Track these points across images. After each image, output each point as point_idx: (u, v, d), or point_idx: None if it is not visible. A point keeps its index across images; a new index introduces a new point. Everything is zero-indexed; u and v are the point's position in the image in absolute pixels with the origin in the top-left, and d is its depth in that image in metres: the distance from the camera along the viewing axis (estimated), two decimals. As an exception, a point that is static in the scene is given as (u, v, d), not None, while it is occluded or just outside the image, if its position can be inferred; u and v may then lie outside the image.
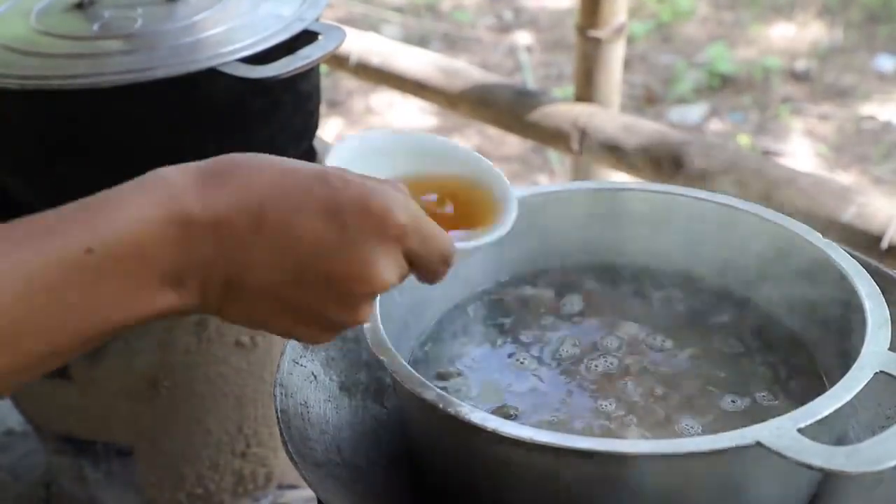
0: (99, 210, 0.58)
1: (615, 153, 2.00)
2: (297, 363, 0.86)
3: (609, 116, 2.05)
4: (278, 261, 0.60)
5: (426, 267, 0.66)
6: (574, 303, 0.95)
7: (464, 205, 0.77)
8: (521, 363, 0.88)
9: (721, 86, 3.25)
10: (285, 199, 0.60)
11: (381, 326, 0.78)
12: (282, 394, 0.82)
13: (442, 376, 0.87)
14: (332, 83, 3.34)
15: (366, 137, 0.79)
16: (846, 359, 0.74)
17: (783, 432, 0.65)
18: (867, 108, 3.09)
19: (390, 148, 0.80)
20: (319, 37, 1.27)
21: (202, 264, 0.59)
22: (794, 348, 0.89)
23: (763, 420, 0.68)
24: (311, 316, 0.63)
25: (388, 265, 0.62)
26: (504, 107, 2.13)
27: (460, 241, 0.71)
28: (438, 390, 0.72)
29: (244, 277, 0.60)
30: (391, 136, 0.81)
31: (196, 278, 0.60)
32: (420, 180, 0.77)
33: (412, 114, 3.23)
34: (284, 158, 0.63)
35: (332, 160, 0.73)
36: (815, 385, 0.84)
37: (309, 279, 0.61)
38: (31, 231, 0.56)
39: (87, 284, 0.56)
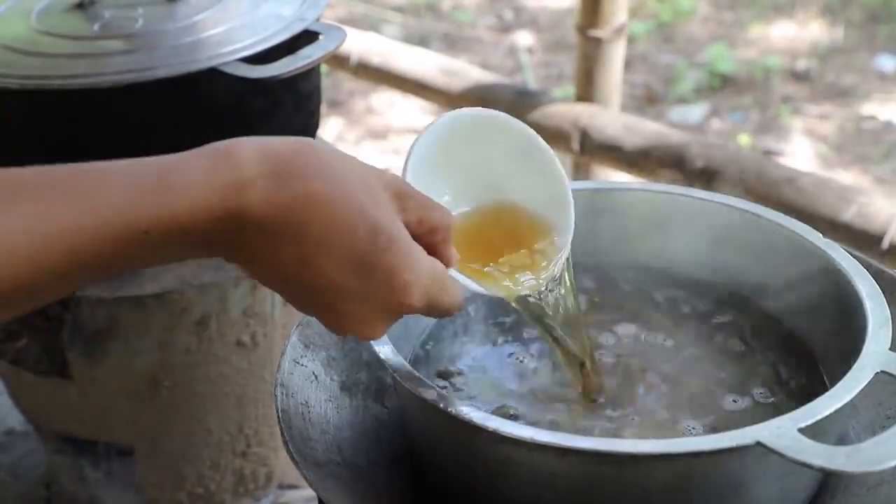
0: (164, 191, 0.60)
1: (615, 153, 2.00)
2: (298, 363, 0.86)
3: (609, 116, 2.05)
4: (298, 275, 0.64)
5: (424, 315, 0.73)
6: (575, 302, 0.95)
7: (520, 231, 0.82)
8: (522, 362, 0.88)
9: (722, 85, 3.25)
10: (332, 231, 0.63)
11: (381, 326, 0.78)
12: (283, 393, 0.82)
13: (442, 375, 0.87)
14: (332, 83, 3.34)
15: (478, 115, 0.80)
16: (847, 358, 0.74)
17: (784, 432, 0.65)
18: (868, 108, 3.09)
19: (489, 129, 0.80)
20: (320, 37, 1.27)
21: (238, 245, 0.63)
22: (794, 348, 0.88)
23: (764, 420, 0.68)
24: (309, 311, 0.69)
25: (380, 327, 0.68)
26: (504, 107, 2.13)
27: (476, 286, 0.75)
28: (439, 390, 0.72)
29: (265, 268, 0.65)
30: (498, 119, 0.81)
31: (228, 251, 0.64)
32: (488, 208, 0.81)
33: (413, 113, 3.23)
34: (358, 173, 0.65)
35: (431, 134, 0.76)
36: (816, 385, 0.84)
37: (315, 300, 0.66)
38: (93, 198, 0.59)
39: (134, 255, 0.60)
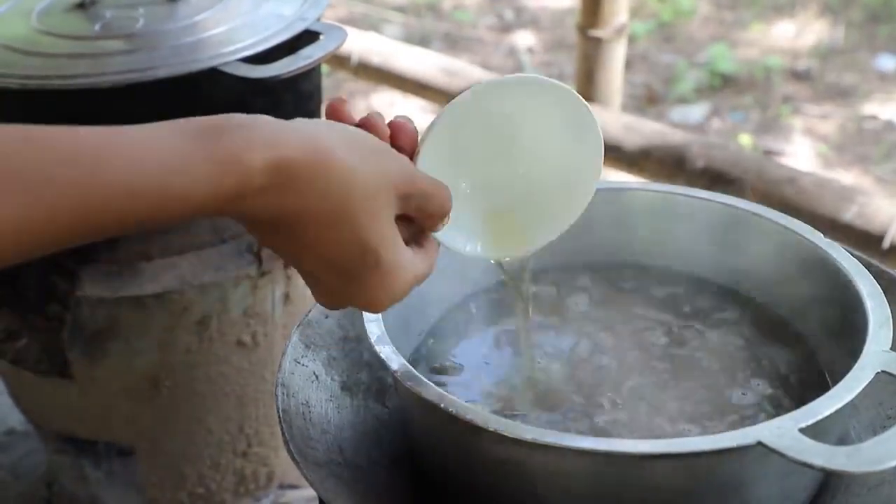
0: (163, 196, 0.59)
1: (616, 153, 2.00)
2: (299, 363, 0.86)
3: (610, 116, 2.05)
4: (287, 258, 0.68)
5: None
6: (576, 301, 0.95)
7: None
8: (524, 358, 0.88)
9: (722, 85, 3.25)
10: (325, 243, 0.65)
11: (382, 325, 0.78)
12: (283, 393, 0.82)
13: (442, 372, 0.87)
14: (333, 83, 3.34)
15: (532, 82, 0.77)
16: (847, 358, 0.74)
17: (784, 432, 0.65)
18: (868, 108, 3.09)
19: (537, 93, 0.77)
20: (321, 36, 1.27)
21: (236, 221, 0.65)
22: (795, 347, 0.89)
23: (764, 420, 0.67)
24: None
25: (345, 308, 0.73)
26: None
27: (451, 243, 0.77)
28: (439, 390, 0.72)
29: (260, 241, 0.68)
30: (552, 86, 0.77)
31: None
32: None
33: (413, 113, 3.23)
34: (365, 185, 0.65)
35: (453, 111, 0.75)
36: (817, 384, 0.84)
37: (300, 272, 0.70)
38: (88, 193, 0.57)
39: (126, 233, 0.61)
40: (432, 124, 0.74)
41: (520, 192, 0.81)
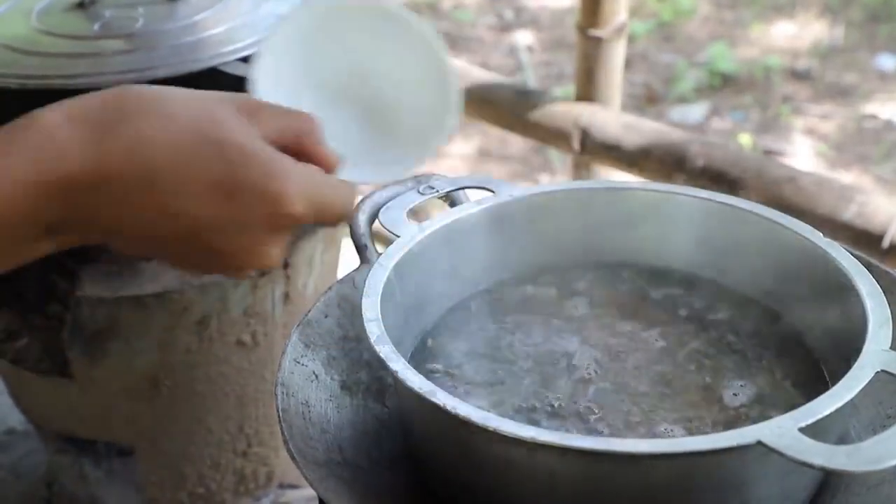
0: None
1: (616, 152, 2.00)
2: (299, 362, 0.86)
3: (610, 116, 2.05)
4: (164, 223, 0.59)
5: (320, 224, 0.68)
6: (575, 301, 0.95)
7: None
8: (523, 360, 0.88)
9: (722, 85, 3.25)
10: (179, 162, 0.57)
11: (382, 325, 0.78)
12: (283, 393, 0.82)
13: (442, 374, 0.87)
14: (332, 83, 3.34)
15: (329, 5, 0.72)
16: (847, 357, 0.74)
17: (784, 431, 0.65)
18: (868, 108, 3.09)
19: (348, 15, 0.72)
20: (320, 36, 1.27)
21: (85, 217, 0.58)
22: (794, 346, 0.88)
23: (763, 419, 0.68)
24: (194, 265, 0.63)
25: (273, 249, 0.62)
26: (505, 106, 2.13)
27: (362, 173, 0.70)
28: (439, 389, 0.72)
29: (128, 229, 0.59)
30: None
31: (77, 229, 0.58)
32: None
33: (413, 113, 3.23)
34: (183, 100, 0.59)
35: (278, 38, 0.70)
36: (816, 383, 0.84)
37: (193, 244, 0.60)
38: None
39: None
40: (262, 47, 0.69)
41: (371, 119, 0.75)
